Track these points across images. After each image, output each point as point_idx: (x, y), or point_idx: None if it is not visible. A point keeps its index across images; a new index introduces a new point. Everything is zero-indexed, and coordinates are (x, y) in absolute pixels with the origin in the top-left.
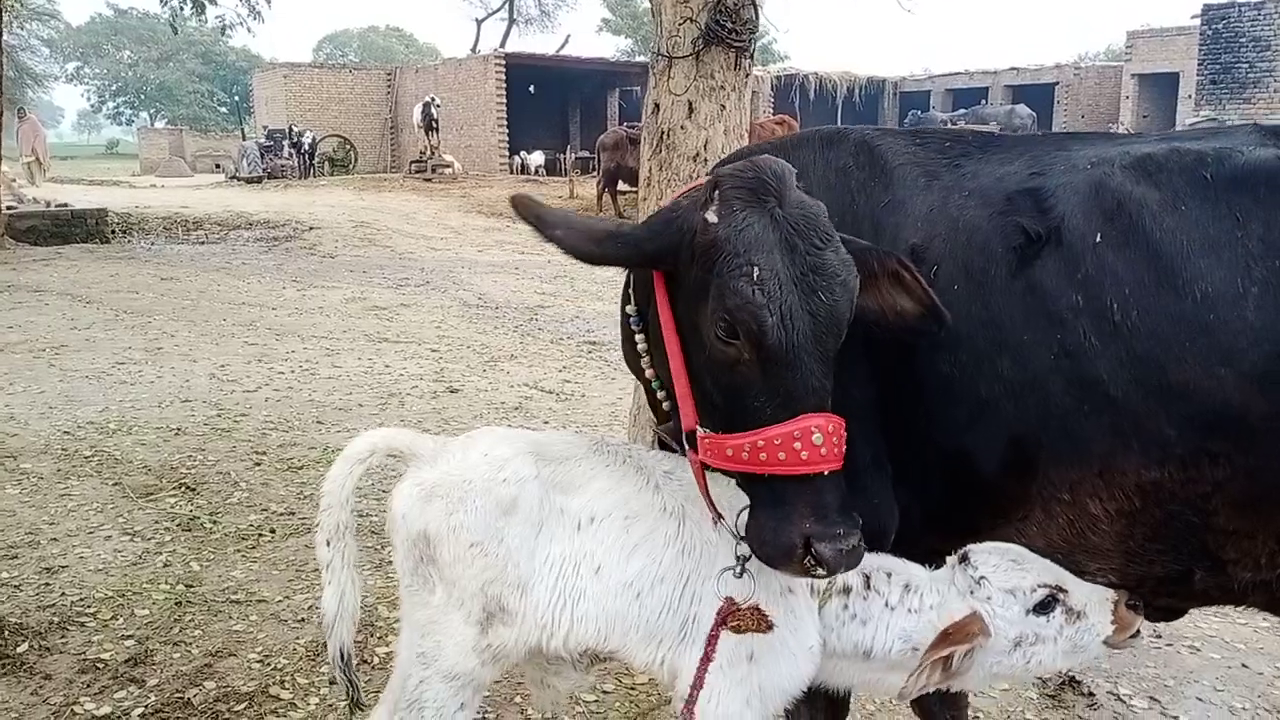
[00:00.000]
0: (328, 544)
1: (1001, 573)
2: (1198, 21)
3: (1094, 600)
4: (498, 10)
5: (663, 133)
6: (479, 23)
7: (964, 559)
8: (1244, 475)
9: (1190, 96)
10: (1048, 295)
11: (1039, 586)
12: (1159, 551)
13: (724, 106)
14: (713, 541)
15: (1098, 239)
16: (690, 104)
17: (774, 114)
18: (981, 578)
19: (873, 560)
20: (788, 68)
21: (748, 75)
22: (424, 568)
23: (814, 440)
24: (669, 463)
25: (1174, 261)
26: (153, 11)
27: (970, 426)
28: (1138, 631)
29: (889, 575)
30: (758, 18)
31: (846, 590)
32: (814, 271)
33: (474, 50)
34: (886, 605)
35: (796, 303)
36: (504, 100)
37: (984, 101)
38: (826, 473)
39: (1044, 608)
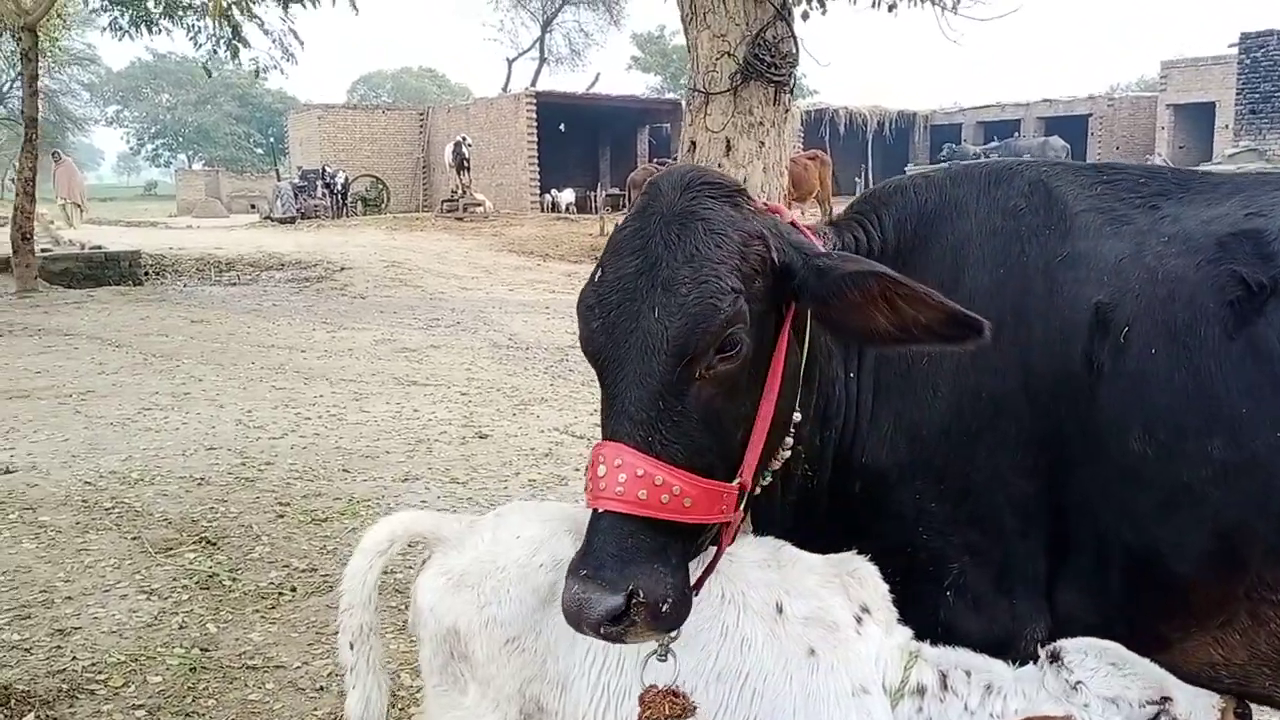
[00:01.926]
0: (351, 646)
1: (1101, 677)
2: (1234, 50)
3: (1199, 709)
4: (528, 50)
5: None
6: (510, 62)
7: (1055, 658)
8: None
9: (1228, 126)
10: (1276, 359)
11: (1148, 703)
12: None
13: (763, 143)
14: (779, 634)
15: None
16: (728, 141)
17: (804, 149)
18: (1078, 682)
19: (951, 656)
20: (817, 102)
21: (787, 111)
22: (454, 665)
23: (599, 471)
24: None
25: None
26: (191, 56)
27: (1164, 517)
28: None
29: (969, 674)
30: (798, 51)
31: (921, 690)
32: (661, 287)
33: (505, 89)
34: (965, 709)
35: (631, 315)
36: (535, 138)
37: (1017, 134)
38: (601, 510)
39: None
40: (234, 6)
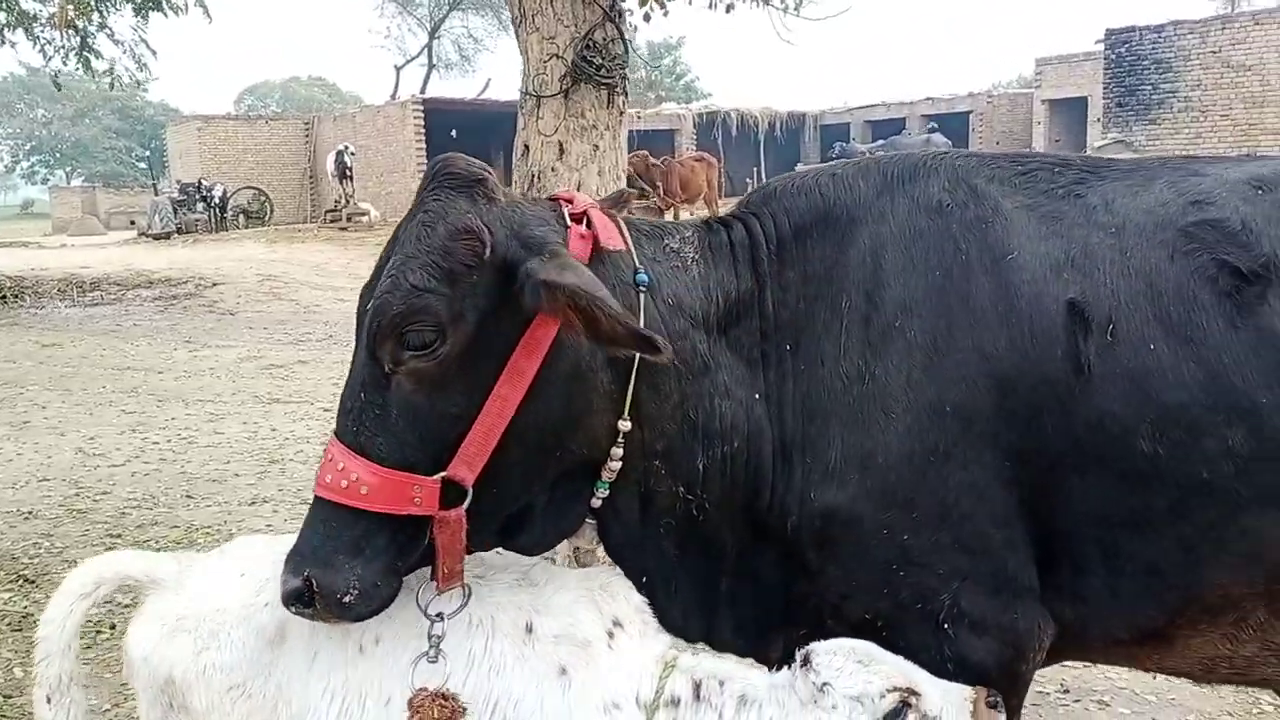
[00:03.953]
0: (48, 700)
1: (846, 676)
2: (1102, 46)
3: (950, 702)
4: (416, 56)
5: (533, 176)
6: (398, 69)
7: (806, 661)
8: None
9: (1099, 120)
10: None
11: (889, 691)
12: None
13: (597, 147)
14: (529, 655)
15: None
16: (561, 145)
17: (697, 150)
18: (825, 684)
19: (708, 665)
20: (710, 105)
21: (622, 114)
22: (174, 718)
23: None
24: (483, 565)
25: None
26: (66, 69)
27: (1180, 517)
28: None
29: (722, 684)
30: (628, 53)
31: (675, 702)
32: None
33: (394, 97)
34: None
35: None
36: (424, 145)
37: (904, 131)
38: (314, 497)
39: (895, 716)
40: (81, 16)
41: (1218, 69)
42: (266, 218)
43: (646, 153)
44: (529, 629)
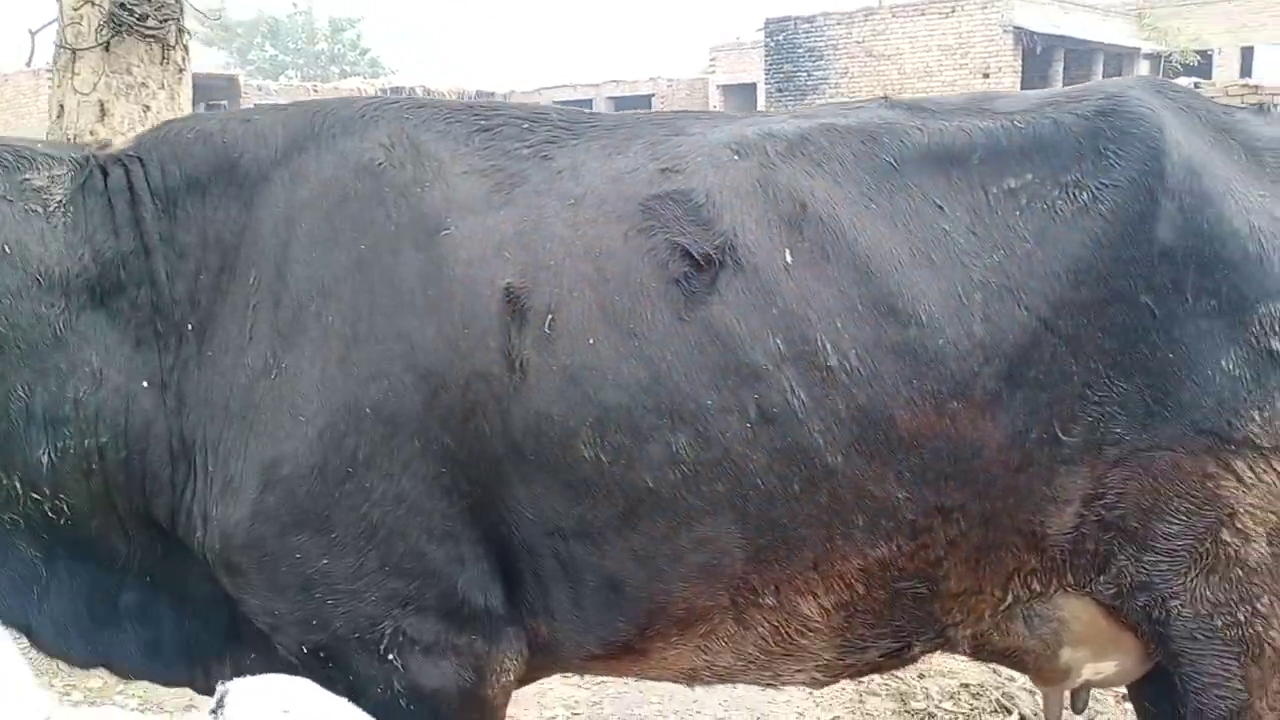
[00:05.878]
0: None
1: None
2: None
3: None
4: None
5: (69, 140)
6: (34, 34)
7: (220, 705)
8: (979, 525)
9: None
10: (737, 342)
11: None
12: (878, 636)
13: (149, 108)
14: None
15: (788, 258)
16: (102, 104)
17: None
18: None
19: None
20: (395, 81)
21: (181, 70)
22: None
23: None
24: None
25: (888, 278)
26: None
27: (631, 528)
28: None
29: None
30: (180, 2)
31: None
32: None
33: (29, 64)
34: None
35: None
36: None
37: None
38: None
39: None
40: None
41: (862, 58)
42: None
43: None
44: None
